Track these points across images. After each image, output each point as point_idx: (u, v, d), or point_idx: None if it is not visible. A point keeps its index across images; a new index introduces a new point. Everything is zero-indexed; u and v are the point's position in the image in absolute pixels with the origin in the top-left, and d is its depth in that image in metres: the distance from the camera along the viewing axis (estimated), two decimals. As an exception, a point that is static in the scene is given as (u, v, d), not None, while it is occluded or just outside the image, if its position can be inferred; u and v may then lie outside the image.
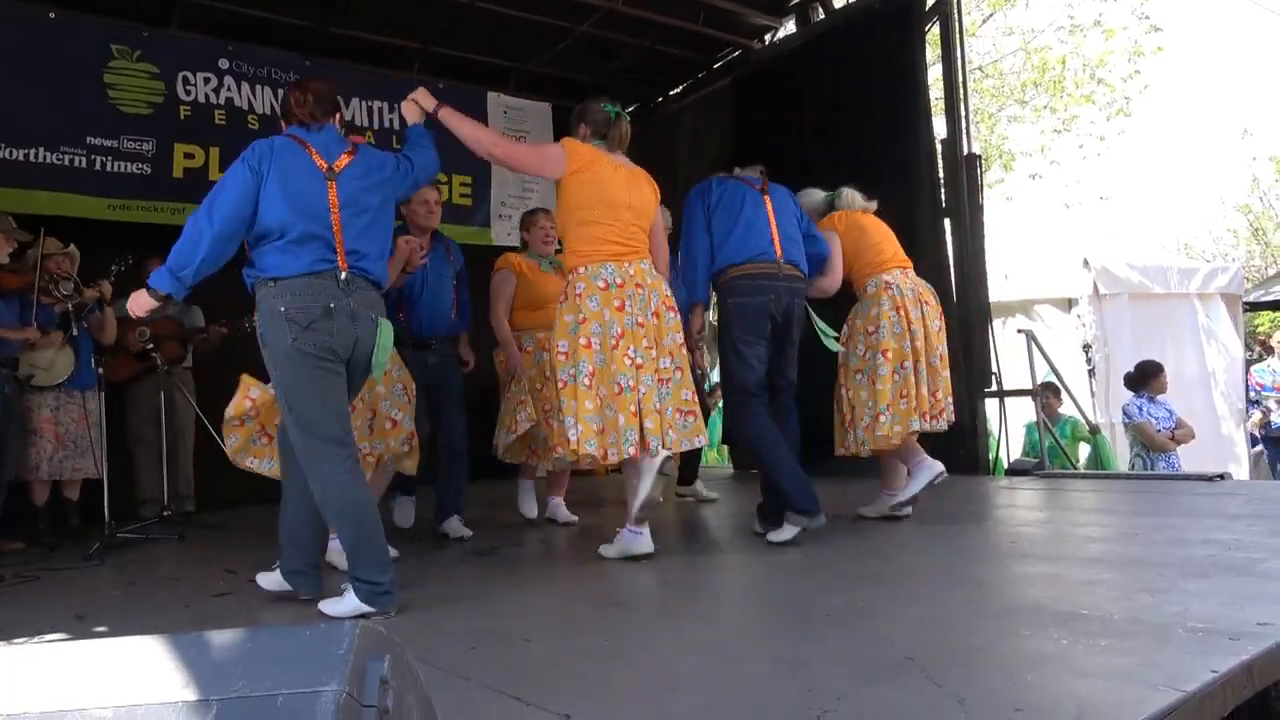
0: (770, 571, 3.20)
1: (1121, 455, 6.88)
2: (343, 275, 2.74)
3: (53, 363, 4.68)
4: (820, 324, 3.81)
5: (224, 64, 5.99)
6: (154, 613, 2.99)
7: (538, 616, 2.57)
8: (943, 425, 3.95)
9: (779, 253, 3.65)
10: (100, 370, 4.64)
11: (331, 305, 2.70)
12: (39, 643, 0.65)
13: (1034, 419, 6.14)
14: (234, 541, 4.47)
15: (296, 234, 2.71)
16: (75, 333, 4.64)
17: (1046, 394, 6.43)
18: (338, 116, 3.04)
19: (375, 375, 2.96)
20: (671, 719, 1.66)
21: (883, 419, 3.82)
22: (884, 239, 4.09)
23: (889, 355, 3.85)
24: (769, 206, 3.76)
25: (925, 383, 3.88)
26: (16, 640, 2.60)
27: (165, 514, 4.96)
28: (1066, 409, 6.68)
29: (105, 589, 3.49)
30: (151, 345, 5.08)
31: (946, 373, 4.00)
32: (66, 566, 3.94)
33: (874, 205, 4.22)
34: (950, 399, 4.01)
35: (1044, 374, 6.36)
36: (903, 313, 3.89)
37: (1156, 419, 6.45)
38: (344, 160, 2.88)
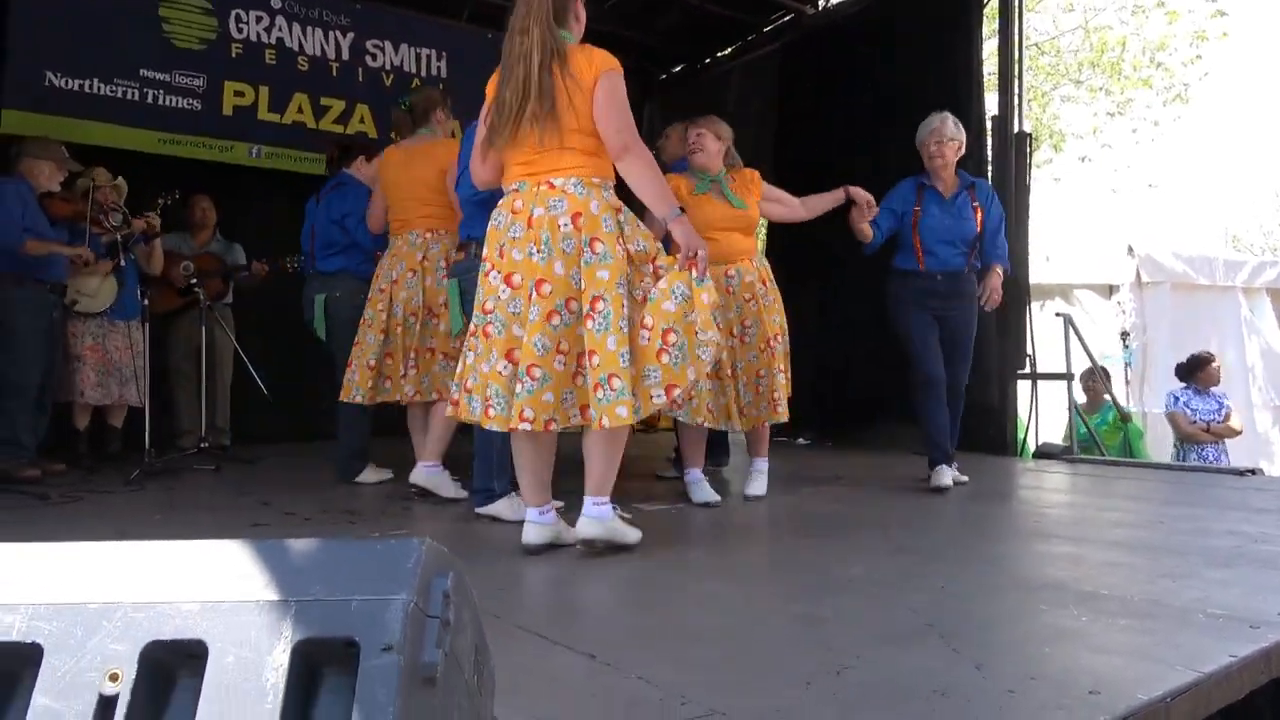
0: (794, 539, 3.25)
1: (1166, 443, 6.86)
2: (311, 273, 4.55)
3: (97, 290, 4.79)
4: None
5: (276, 3, 6.01)
6: (195, 537, 3.09)
7: (565, 566, 2.63)
8: None
9: None
10: (145, 302, 4.75)
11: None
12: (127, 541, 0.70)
13: (1076, 403, 6.11)
14: (268, 475, 4.58)
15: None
16: (123, 263, 4.73)
17: (1094, 378, 6.40)
18: (359, 159, 4.55)
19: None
20: (693, 667, 1.71)
21: None
22: None
23: None
24: None
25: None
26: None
27: (202, 445, 5.10)
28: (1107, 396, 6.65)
29: (146, 512, 3.60)
30: (195, 280, 5.18)
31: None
32: (108, 489, 4.07)
33: None
34: None
35: (1099, 358, 6.35)
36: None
37: (1195, 410, 6.40)
38: (326, 192, 4.50)
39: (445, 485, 3.74)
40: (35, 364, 4.36)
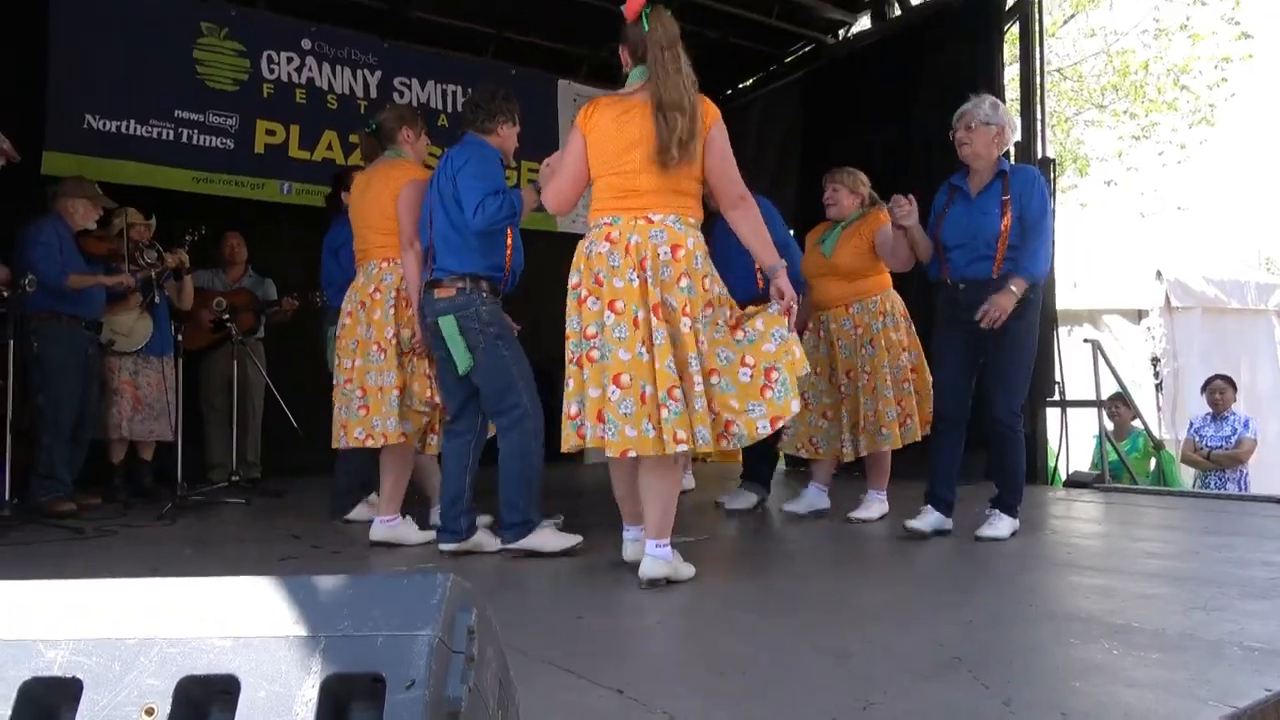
0: (821, 568, 3.23)
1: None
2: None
3: (132, 329, 4.88)
4: None
5: (306, 44, 6.16)
6: (225, 569, 3.12)
7: (591, 596, 2.64)
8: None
9: None
10: (180, 338, 4.83)
11: None
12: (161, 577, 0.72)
13: (1106, 430, 6.05)
14: (297, 509, 4.62)
15: None
16: (157, 300, 4.82)
17: (1115, 404, 6.32)
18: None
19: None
20: (720, 701, 1.71)
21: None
22: None
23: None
24: None
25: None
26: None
27: (233, 479, 5.16)
28: (1136, 422, 6.56)
29: (177, 546, 3.65)
30: (228, 316, 5.27)
31: None
32: (141, 524, 4.13)
33: None
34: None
35: (1114, 384, 6.26)
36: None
37: (1203, 436, 6.37)
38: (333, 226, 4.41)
39: (409, 534, 3.57)
40: (71, 400, 4.45)
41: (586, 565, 3.14)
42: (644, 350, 2.62)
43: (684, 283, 2.66)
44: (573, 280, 2.78)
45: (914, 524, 3.59)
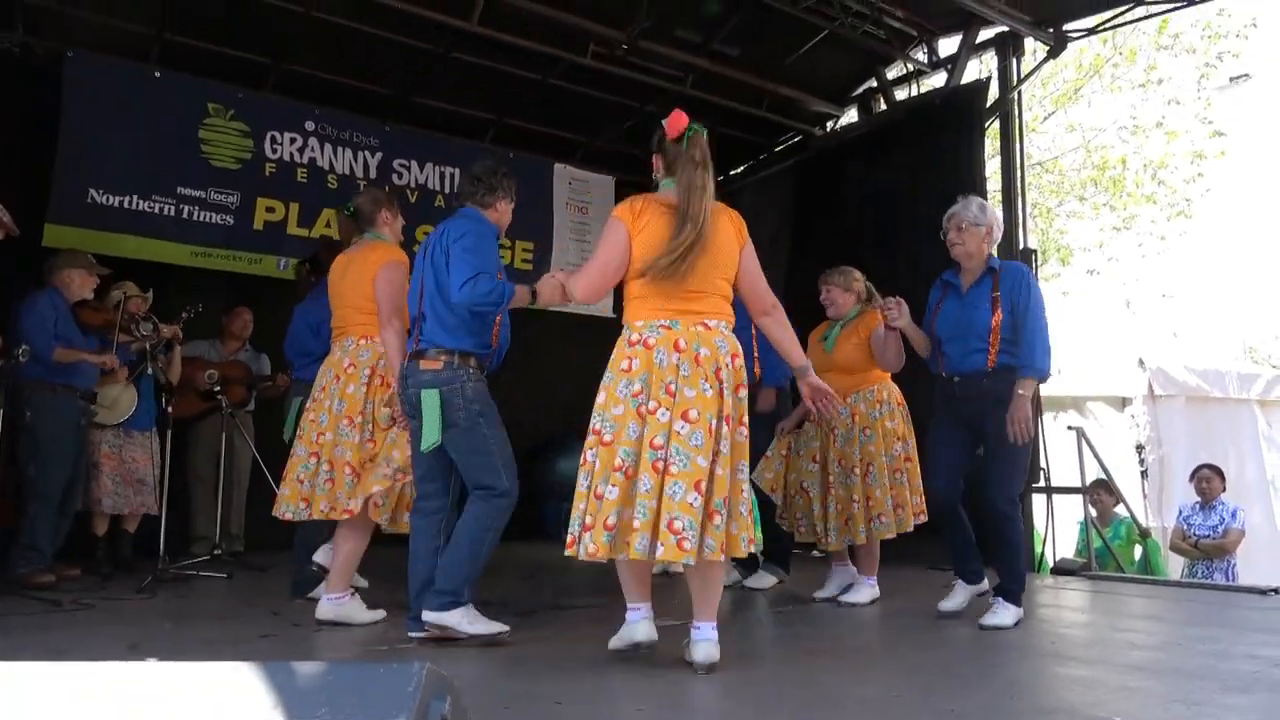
0: (804, 656, 3.21)
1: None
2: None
3: (116, 401, 4.88)
4: None
5: (310, 125, 6.33)
6: (203, 647, 3.09)
7: (570, 680, 2.62)
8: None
9: None
10: (170, 409, 4.84)
11: None
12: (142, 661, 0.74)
13: (1091, 517, 6.05)
14: (280, 585, 4.55)
15: None
16: (150, 371, 4.83)
17: (1098, 492, 6.33)
18: None
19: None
20: (696, 791, 1.70)
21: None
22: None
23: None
24: None
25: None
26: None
27: (216, 552, 5.11)
28: (1120, 509, 6.57)
29: (156, 621, 3.61)
30: (219, 388, 5.29)
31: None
32: (120, 597, 4.08)
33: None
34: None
35: (1098, 471, 6.28)
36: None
37: (1191, 525, 6.38)
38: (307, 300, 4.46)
39: (357, 613, 3.53)
40: (61, 470, 4.44)
41: (568, 651, 3.11)
42: (712, 458, 2.69)
43: (742, 393, 2.79)
44: (634, 388, 2.71)
45: (946, 605, 3.75)
